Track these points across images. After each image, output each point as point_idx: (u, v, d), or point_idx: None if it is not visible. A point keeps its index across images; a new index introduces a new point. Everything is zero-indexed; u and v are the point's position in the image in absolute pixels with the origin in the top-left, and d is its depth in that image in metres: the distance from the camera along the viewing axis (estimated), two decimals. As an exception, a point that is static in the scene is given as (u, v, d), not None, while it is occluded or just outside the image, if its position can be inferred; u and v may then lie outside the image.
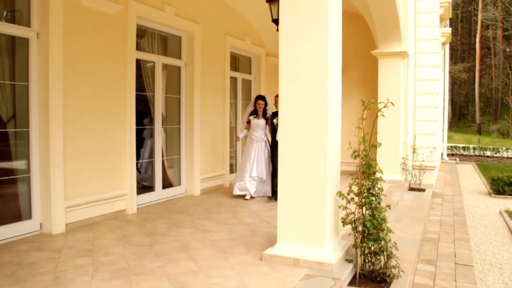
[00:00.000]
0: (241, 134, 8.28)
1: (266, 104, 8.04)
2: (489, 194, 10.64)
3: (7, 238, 5.01)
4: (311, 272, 3.98)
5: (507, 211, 8.17)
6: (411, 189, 9.63)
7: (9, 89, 5.25)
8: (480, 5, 39.29)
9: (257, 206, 7.19)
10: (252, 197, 7.75)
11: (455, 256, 5.58)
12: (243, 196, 7.79)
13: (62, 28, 5.35)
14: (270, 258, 4.29)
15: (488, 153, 22.13)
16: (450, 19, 35.05)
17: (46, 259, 4.41)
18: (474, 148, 22.72)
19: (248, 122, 8.06)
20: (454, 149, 22.86)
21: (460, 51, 48.25)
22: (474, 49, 41.23)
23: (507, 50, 41.66)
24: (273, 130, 7.71)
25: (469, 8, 46.74)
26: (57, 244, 4.93)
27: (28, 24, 5.24)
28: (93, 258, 4.45)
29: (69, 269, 4.12)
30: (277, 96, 7.38)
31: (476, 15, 40.55)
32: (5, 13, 5.22)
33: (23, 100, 5.29)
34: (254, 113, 8.02)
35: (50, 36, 5.21)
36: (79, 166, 5.67)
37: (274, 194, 7.42)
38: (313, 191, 4.20)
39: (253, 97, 10.33)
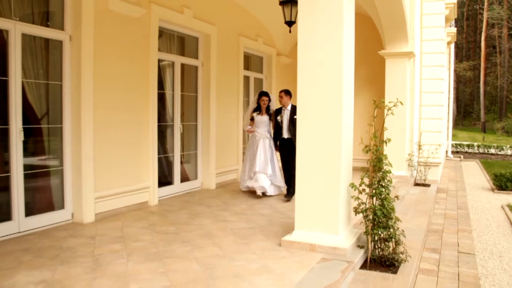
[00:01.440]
0: (249, 127, 8.12)
1: (269, 101, 8.00)
2: (492, 189, 10.99)
3: (44, 226, 5.43)
4: (327, 256, 4.38)
5: (509, 206, 8.53)
6: (417, 184, 9.99)
7: (44, 88, 5.66)
8: (485, 4, 39.43)
9: (272, 198, 7.58)
10: (263, 194, 7.72)
11: (458, 245, 5.96)
12: (254, 192, 7.80)
13: (93, 31, 5.75)
14: (288, 244, 4.69)
15: (492, 150, 22.43)
16: (456, 16, 35.22)
17: (82, 245, 4.82)
18: (478, 146, 23.03)
19: (252, 119, 8.03)
20: (459, 147, 23.17)
21: (465, 49, 48.41)
22: (480, 47, 41.40)
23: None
24: (277, 127, 7.78)
25: (475, 7, 46.85)
26: (89, 232, 5.35)
27: (62, 28, 5.65)
28: (125, 244, 4.86)
29: (105, 253, 4.53)
30: (281, 91, 7.76)
31: (482, 13, 40.67)
32: (41, 18, 5.61)
33: (57, 98, 5.71)
34: (257, 109, 8.00)
35: (82, 38, 5.62)
36: (106, 160, 6.09)
37: (290, 194, 7.43)
38: (328, 183, 4.59)
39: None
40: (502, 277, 4.92)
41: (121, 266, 4.13)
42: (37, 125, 5.64)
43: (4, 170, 5.15)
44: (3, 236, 4.97)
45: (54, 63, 5.69)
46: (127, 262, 4.25)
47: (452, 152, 20.38)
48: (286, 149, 7.69)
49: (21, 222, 5.19)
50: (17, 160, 5.13)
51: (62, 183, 5.76)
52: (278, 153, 8.00)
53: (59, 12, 5.66)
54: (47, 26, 5.58)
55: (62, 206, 5.76)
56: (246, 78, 10.17)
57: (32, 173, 5.42)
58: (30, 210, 5.35)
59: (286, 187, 7.78)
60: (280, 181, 7.90)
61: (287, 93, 7.75)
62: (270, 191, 7.78)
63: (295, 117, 7.13)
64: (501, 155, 21.78)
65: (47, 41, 5.62)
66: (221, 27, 8.63)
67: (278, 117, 7.70)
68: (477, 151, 22.67)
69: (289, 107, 7.65)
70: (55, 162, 5.77)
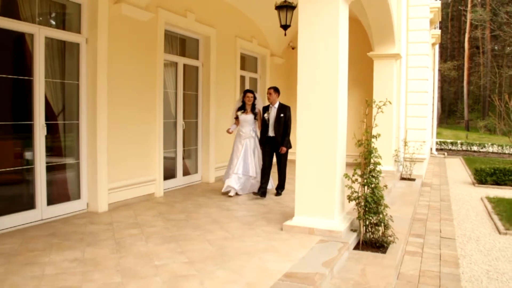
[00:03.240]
0: (231, 128, 7.93)
1: (255, 98, 7.78)
2: (473, 184, 11.68)
3: (62, 214, 5.91)
4: (324, 238, 4.94)
5: (487, 198, 9.19)
6: (403, 178, 10.61)
7: (63, 87, 6.11)
8: (469, 6, 40.43)
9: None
10: (237, 194, 7.51)
11: (440, 232, 6.58)
12: (227, 193, 7.54)
13: (107, 34, 6.23)
14: (289, 228, 5.24)
15: (475, 148, 23.29)
16: (441, 17, 36.03)
17: (102, 230, 5.31)
18: (462, 144, 23.87)
19: (236, 117, 7.81)
20: (443, 144, 23.97)
21: (450, 49, 49.41)
22: (464, 47, 42.39)
23: (496, 48, 42.85)
24: (264, 125, 7.61)
25: (459, 7, 47.84)
26: (106, 219, 5.84)
27: (78, 31, 6.11)
28: (142, 229, 5.36)
29: (125, 237, 5.03)
30: (270, 88, 7.63)
31: (466, 15, 41.68)
32: (60, 22, 6.06)
33: (74, 96, 6.17)
34: (242, 108, 7.77)
35: (98, 41, 6.09)
36: (118, 154, 6.57)
37: (260, 191, 7.34)
38: (324, 173, 5.15)
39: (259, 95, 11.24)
40: (478, 257, 5.53)
41: (142, 247, 4.64)
42: (57, 121, 6.09)
43: (27, 163, 5.60)
44: (29, 223, 5.43)
45: (72, 64, 6.14)
46: (146, 244, 4.76)
47: (437, 150, 21.14)
48: (270, 148, 7.58)
49: (43, 210, 5.66)
50: (40, 153, 5.60)
51: (78, 175, 6.24)
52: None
53: (77, 17, 6.12)
54: (66, 29, 6.03)
55: (78, 197, 6.23)
56: (242, 78, 10.69)
57: (51, 166, 5.87)
58: (50, 200, 5.81)
59: (261, 189, 7.43)
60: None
61: (276, 90, 7.61)
62: (248, 191, 7.63)
63: (281, 115, 7.45)
64: (483, 152, 22.63)
65: (64, 43, 6.07)
66: (220, 30, 9.14)
67: (265, 115, 7.59)
68: (461, 149, 23.51)
69: (276, 105, 7.54)
70: (72, 156, 6.24)
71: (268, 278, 3.74)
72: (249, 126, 7.73)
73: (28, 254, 4.38)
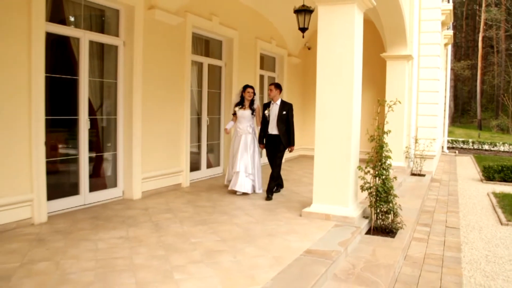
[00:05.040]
0: (228, 125, 7.93)
1: (254, 94, 7.68)
2: (481, 180, 12.12)
3: (101, 200, 6.56)
4: (339, 223, 5.52)
5: (493, 193, 9.66)
6: (413, 174, 11.12)
7: (102, 85, 6.75)
8: (483, 5, 40.47)
9: (288, 181, 8.69)
10: (244, 193, 7.37)
11: (446, 222, 7.11)
12: (234, 192, 7.44)
13: (142, 37, 6.85)
14: (307, 214, 5.82)
15: (486, 147, 23.58)
16: (455, 16, 36.10)
17: (139, 214, 5.94)
18: (473, 142, 24.18)
19: (234, 114, 7.73)
20: (454, 143, 24.30)
21: (464, 48, 49.43)
22: (478, 46, 42.45)
23: (511, 46, 42.83)
24: (265, 122, 7.42)
25: (474, 6, 47.82)
26: (141, 205, 6.47)
27: (117, 34, 6.74)
28: (175, 214, 5.98)
29: (161, 220, 5.65)
30: (271, 84, 7.45)
31: (480, 15, 41.71)
32: (101, 26, 6.69)
33: (112, 93, 6.81)
34: (240, 104, 7.65)
35: (134, 43, 6.72)
36: (151, 146, 7.19)
37: (269, 192, 7.17)
38: (340, 165, 5.72)
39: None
40: (479, 244, 6.05)
41: (178, 229, 5.26)
42: (97, 116, 6.74)
43: (72, 154, 6.26)
44: (74, 207, 6.09)
45: (110, 65, 6.78)
46: (181, 226, 5.37)
47: (448, 148, 21.50)
48: (273, 146, 7.39)
49: (86, 196, 6.31)
50: (84, 145, 6.25)
51: (115, 165, 6.88)
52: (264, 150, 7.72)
53: (115, 22, 6.75)
54: (105, 33, 6.67)
55: (115, 185, 6.88)
56: (261, 77, 11.27)
57: (92, 157, 6.52)
58: (91, 187, 6.46)
59: (259, 189, 7.57)
60: (255, 180, 7.55)
61: (277, 86, 7.42)
62: (249, 189, 7.43)
63: (284, 112, 7.21)
64: (494, 151, 22.93)
65: (103, 45, 6.70)
66: (241, 31, 9.72)
67: (266, 111, 7.37)
68: (472, 147, 23.81)
69: (278, 102, 7.32)
70: (110, 147, 6.89)
71: (291, 254, 4.33)
72: (246, 122, 7.57)
73: (79, 232, 5.02)
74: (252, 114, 7.63)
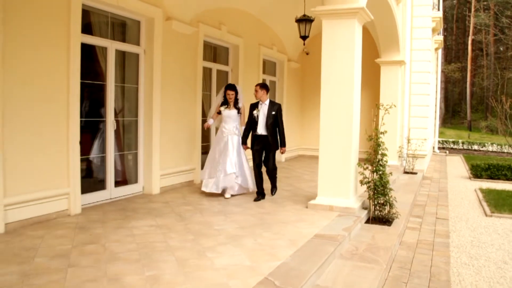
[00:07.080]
0: (209, 121, 7.69)
1: (236, 93, 7.51)
2: (469, 178, 12.90)
3: (125, 195, 7.21)
4: (341, 213, 6.22)
5: (480, 189, 10.42)
6: (406, 172, 11.86)
7: (124, 90, 7.40)
8: (472, 10, 41.52)
9: (290, 178, 9.39)
10: (232, 195, 7.41)
11: (436, 214, 7.84)
12: (222, 194, 7.37)
13: (161, 46, 7.51)
14: (313, 206, 6.52)
15: (475, 147, 24.49)
16: (446, 19, 36.92)
17: (162, 206, 6.60)
18: (463, 143, 25.08)
19: (219, 112, 7.57)
20: (445, 143, 25.19)
21: (455, 50, 50.45)
22: (468, 49, 43.46)
23: (501, 49, 43.89)
24: (253, 122, 7.27)
25: (464, 9, 48.85)
26: (161, 199, 7.13)
27: (138, 43, 7.40)
28: (194, 206, 6.65)
29: (183, 211, 6.31)
30: (257, 85, 7.33)
31: (469, 20, 42.75)
32: (124, 36, 7.34)
33: (133, 97, 7.46)
34: (225, 103, 7.52)
35: (154, 51, 7.38)
36: (168, 146, 7.85)
37: (259, 195, 7.26)
38: (342, 161, 6.43)
39: (277, 96, 12.51)
40: (466, 232, 6.79)
41: (199, 218, 5.93)
42: (120, 118, 7.38)
43: (100, 152, 6.91)
44: (101, 200, 6.74)
45: (132, 71, 7.43)
46: (202, 216, 6.05)
47: (439, 148, 22.34)
48: (262, 147, 7.28)
49: (112, 191, 6.96)
50: (110, 144, 6.90)
51: (136, 163, 7.53)
52: (247, 151, 7.61)
53: (136, 32, 7.40)
54: (126, 42, 7.32)
55: (136, 181, 7.53)
56: (264, 81, 11.95)
57: (116, 155, 7.17)
58: (115, 183, 7.10)
59: (253, 188, 7.49)
60: (246, 181, 7.45)
61: (263, 86, 7.32)
62: (238, 190, 7.45)
63: (273, 112, 7.14)
64: (483, 151, 23.83)
65: (124, 54, 7.34)
66: (246, 39, 10.42)
67: (254, 112, 7.24)
68: (462, 147, 24.71)
69: (267, 102, 7.23)
70: (132, 146, 7.54)
71: (304, 237, 5.03)
72: (233, 123, 7.43)
73: (113, 221, 5.67)
74: (238, 113, 7.51)
